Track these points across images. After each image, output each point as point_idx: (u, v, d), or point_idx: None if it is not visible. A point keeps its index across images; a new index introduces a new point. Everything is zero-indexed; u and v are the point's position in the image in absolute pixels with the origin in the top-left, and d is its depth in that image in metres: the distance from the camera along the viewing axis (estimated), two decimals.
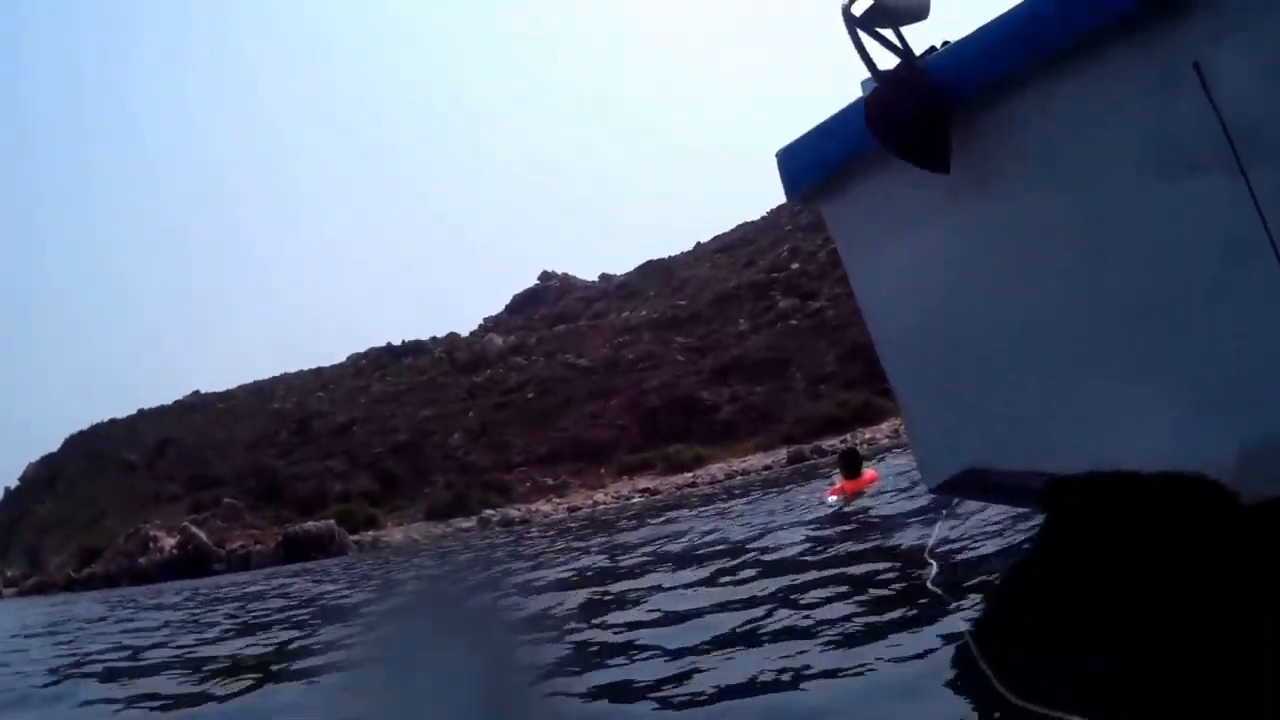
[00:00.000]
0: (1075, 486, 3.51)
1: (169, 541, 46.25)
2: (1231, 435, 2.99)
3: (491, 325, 79.67)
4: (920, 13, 3.44)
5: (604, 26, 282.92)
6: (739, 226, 77.14)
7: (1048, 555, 4.49)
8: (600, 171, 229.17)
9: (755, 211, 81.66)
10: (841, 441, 39.24)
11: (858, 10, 3.34)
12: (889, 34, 3.41)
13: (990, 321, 3.60)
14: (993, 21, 3.26)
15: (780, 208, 75.45)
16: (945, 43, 3.49)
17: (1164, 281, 3.06)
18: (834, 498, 9.93)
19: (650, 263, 78.99)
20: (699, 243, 79.45)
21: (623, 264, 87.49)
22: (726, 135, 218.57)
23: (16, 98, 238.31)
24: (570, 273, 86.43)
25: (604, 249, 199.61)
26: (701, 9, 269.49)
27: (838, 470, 10.83)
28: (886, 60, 3.43)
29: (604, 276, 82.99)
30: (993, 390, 3.68)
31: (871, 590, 4.78)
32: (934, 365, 3.93)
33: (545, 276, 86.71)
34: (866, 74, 3.49)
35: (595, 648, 4.92)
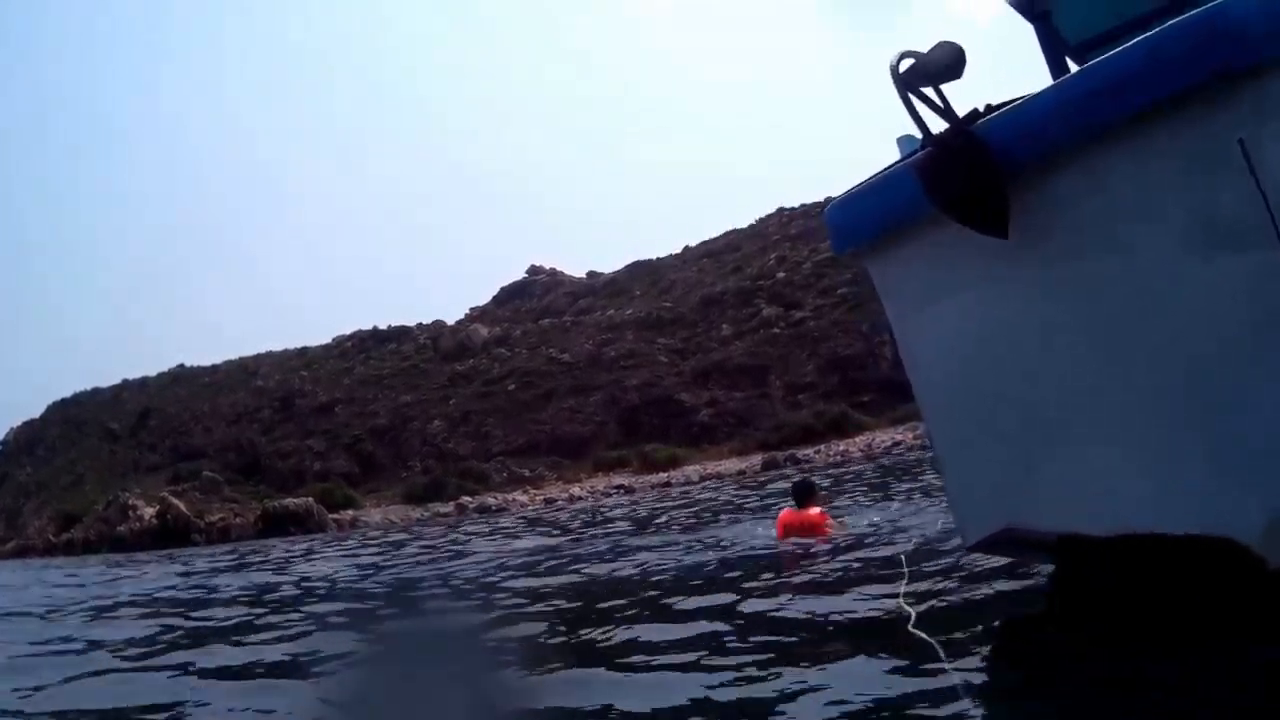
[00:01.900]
0: (1102, 546, 3.61)
1: (148, 511, 46.45)
2: (1261, 503, 3.08)
3: (477, 315, 79.83)
4: (955, 73, 3.52)
5: (606, 25, 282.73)
6: (727, 233, 77.62)
7: (1064, 610, 4.51)
8: (594, 169, 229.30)
9: (744, 219, 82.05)
10: (816, 451, 39.91)
11: (901, 69, 3.47)
12: (931, 93, 3.54)
13: (1032, 385, 3.66)
14: (1045, 91, 3.46)
15: (768, 217, 76.10)
16: (989, 106, 3.61)
17: (1202, 351, 3.16)
18: (784, 543, 9.29)
19: (638, 263, 79.29)
20: (687, 246, 79.90)
21: (611, 262, 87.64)
22: (720, 141, 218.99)
23: None
24: (558, 268, 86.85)
25: (593, 246, 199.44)
26: (701, 24, 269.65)
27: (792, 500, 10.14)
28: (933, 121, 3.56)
29: (592, 273, 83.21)
30: (1032, 452, 3.74)
31: (851, 637, 4.77)
32: (976, 425, 3.97)
33: (534, 270, 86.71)
34: (905, 130, 3.70)
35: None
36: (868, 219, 4.08)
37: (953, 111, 3.53)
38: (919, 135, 3.56)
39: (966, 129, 3.48)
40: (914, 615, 4.36)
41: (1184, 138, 3.11)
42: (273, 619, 8.29)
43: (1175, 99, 3.05)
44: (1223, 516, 3.15)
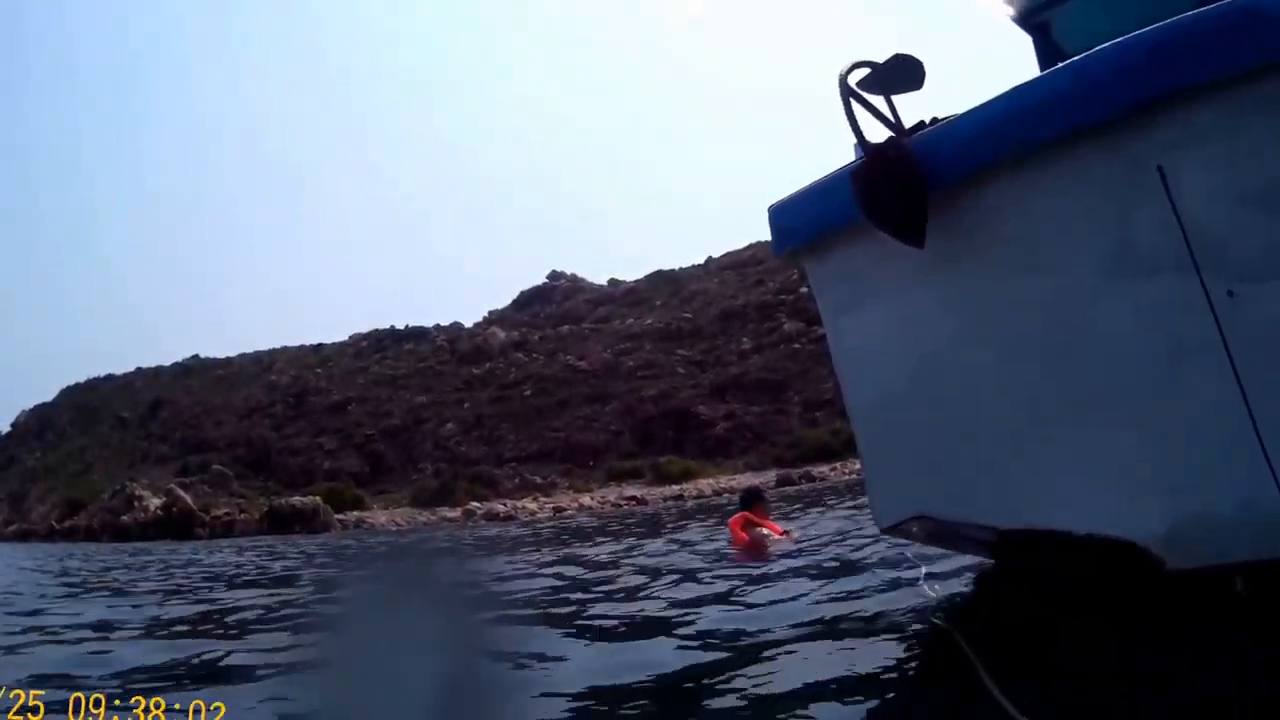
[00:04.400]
0: (1019, 542, 3.82)
1: (154, 502, 46.21)
2: (1163, 512, 3.23)
3: (495, 319, 79.64)
4: (914, 84, 3.77)
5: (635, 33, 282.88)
6: (751, 245, 77.10)
7: (990, 597, 4.72)
8: (618, 176, 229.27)
9: (769, 232, 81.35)
10: (831, 469, 39.44)
11: (854, 79, 3.66)
12: (881, 103, 3.77)
13: (951, 386, 3.84)
14: (974, 110, 3.54)
15: None
16: (934, 119, 3.74)
17: (1112, 366, 3.30)
18: (737, 535, 9.70)
19: (659, 272, 79.03)
20: (710, 257, 79.48)
21: (632, 271, 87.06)
22: (747, 151, 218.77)
23: (20, 67, 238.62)
24: (579, 274, 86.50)
25: (615, 254, 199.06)
26: (731, 36, 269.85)
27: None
28: (876, 130, 3.75)
29: (612, 281, 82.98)
30: (947, 447, 3.92)
31: (872, 625, 4.63)
32: (895, 419, 4.18)
33: (554, 276, 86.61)
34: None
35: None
36: (806, 221, 4.28)
37: (897, 122, 3.79)
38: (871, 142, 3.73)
39: (897, 140, 3.68)
40: (929, 591, 4.55)
41: (1107, 162, 3.24)
42: None
43: (1102, 122, 3.19)
44: (1126, 521, 3.32)
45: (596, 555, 11.28)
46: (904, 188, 3.54)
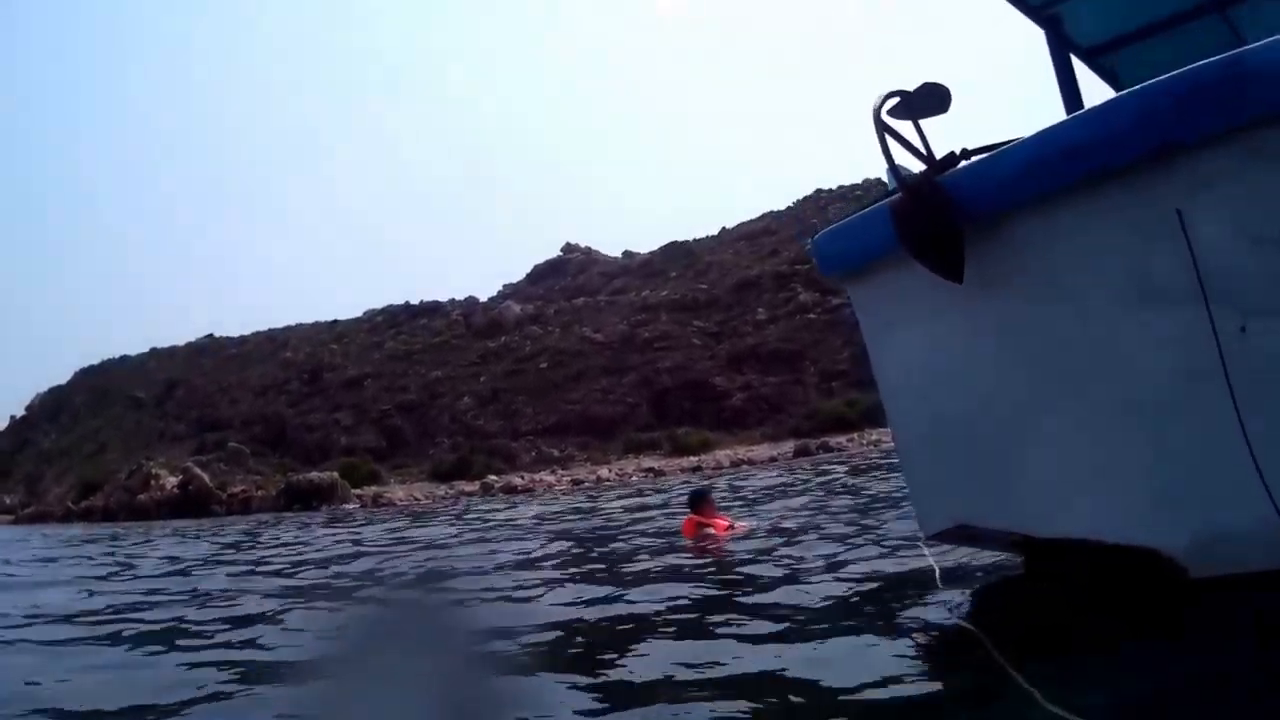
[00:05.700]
0: (1052, 548, 4.15)
1: (171, 480, 46.21)
2: (1184, 524, 3.56)
3: (510, 292, 79.39)
4: (941, 109, 3.97)
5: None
6: (764, 215, 76.65)
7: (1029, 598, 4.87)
8: (631, 149, 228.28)
9: (782, 201, 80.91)
10: (849, 439, 39.20)
11: (885, 110, 3.89)
12: (911, 131, 4.00)
13: (987, 404, 4.12)
14: (1006, 152, 3.80)
15: (806, 199, 74.98)
16: (964, 150, 3.99)
17: (1135, 391, 3.61)
18: (689, 539, 9.95)
19: (674, 244, 78.47)
20: (724, 228, 78.99)
21: (646, 243, 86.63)
22: (759, 120, 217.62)
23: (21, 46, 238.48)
24: (593, 247, 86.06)
25: (628, 226, 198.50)
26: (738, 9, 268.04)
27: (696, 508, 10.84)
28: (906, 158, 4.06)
29: (627, 253, 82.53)
30: (985, 461, 4.21)
31: (884, 614, 4.83)
32: (936, 435, 4.45)
33: (568, 249, 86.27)
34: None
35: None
36: (850, 250, 4.58)
37: (929, 155, 4.00)
38: (906, 170, 4.01)
39: (931, 179, 3.92)
40: (940, 591, 4.71)
41: (1130, 203, 3.50)
42: None
43: (1125, 167, 3.44)
44: (1152, 532, 3.65)
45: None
46: (942, 230, 3.81)
